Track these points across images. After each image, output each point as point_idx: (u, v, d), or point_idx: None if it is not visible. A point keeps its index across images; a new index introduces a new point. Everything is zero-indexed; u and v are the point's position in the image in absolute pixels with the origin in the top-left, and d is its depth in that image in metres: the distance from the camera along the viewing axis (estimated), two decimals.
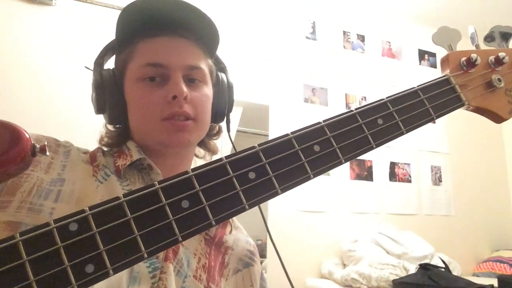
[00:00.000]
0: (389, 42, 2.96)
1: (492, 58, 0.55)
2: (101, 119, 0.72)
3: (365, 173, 2.62)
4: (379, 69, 2.87)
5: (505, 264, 2.55)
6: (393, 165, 2.73)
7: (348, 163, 2.58)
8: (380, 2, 2.90)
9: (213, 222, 0.35)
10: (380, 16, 2.97)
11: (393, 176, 2.71)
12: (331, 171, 2.52)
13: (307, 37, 2.69)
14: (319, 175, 0.41)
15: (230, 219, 0.73)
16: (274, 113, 2.47)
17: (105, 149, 0.70)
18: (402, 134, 0.47)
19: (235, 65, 2.39)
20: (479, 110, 0.56)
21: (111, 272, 0.31)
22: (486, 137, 3.15)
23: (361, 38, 2.88)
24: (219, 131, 0.78)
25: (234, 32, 2.38)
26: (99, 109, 0.69)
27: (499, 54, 0.55)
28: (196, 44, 0.68)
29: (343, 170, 2.56)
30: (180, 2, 0.65)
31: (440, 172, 2.89)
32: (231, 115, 0.76)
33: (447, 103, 0.51)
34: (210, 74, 0.71)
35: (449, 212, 2.84)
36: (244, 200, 0.37)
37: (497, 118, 0.56)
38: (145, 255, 0.32)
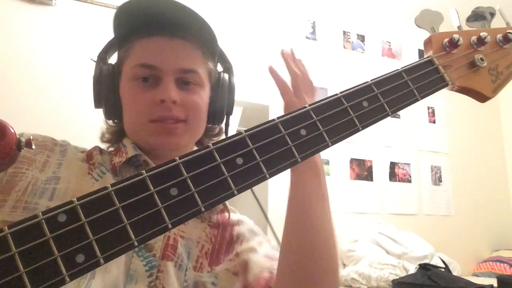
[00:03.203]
0: (389, 42, 2.96)
1: (474, 38, 0.56)
2: (101, 118, 0.73)
3: (365, 173, 2.62)
4: (379, 69, 2.86)
5: (505, 264, 2.55)
6: (393, 165, 2.73)
7: (348, 163, 2.58)
8: (380, 2, 2.90)
9: (203, 208, 0.35)
10: (380, 16, 2.98)
11: (393, 176, 2.71)
12: (331, 171, 2.52)
13: (307, 37, 2.69)
14: (306, 158, 0.41)
15: (226, 210, 0.75)
16: (274, 113, 2.47)
17: (102, 147, 0.71)
18: (387, 115, 0.47)
19: (235, 65, 2.39)
20: (463, 90, 0.56)
21: (101, 261, 0.31)
22: (486, 137, 3.15)
23: (361, 38, 2.88)
24: (220, 133, 0.78)
25: (234, 32, 2.38)
26: (96, 103, 0.69)
27: (481, 33, 0.55)
28: (193, 45, 0.67)
29: (343, 170, 2.56)
30: (178, 4, 0.65)
31: (440, 172, 2.89)
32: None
33: (431, 83, 0.51)
34: (209, 76, 0.70)
35: (449, 212, 2.84)
36: (232, 186, 0.37)
37: (482, 97, 0.57)
38: (136, 243, 0.32)
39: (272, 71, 0.66)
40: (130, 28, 0.66)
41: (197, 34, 0.67)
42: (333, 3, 2.82)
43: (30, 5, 1.95)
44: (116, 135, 0.71)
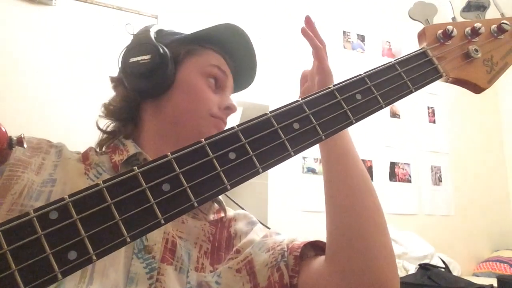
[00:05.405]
0: (389, 42, 2.96)
1: (468, 29, 0.55)
2: (101, 118, 0.72)
3: None
4: None
5: (505, 264, 2.55)
6: (393, 165, 2.73)
7: None
8: (380, 2, 2.90)
9: (195, 204, 0.35)
10: (380, 16, 2.97)
11: (393, 176, 2.71)
12: None
13: None
14: (300, 152, 0.41)
15: (222, 209, 0.75)
16: None
17: (97, 150, 0.71)
18: (381, 108, 0.47)
19: None
20: (458, 82, 0.56)
21: (94, 257, 0.31)
22: (486, 137, 3.15)
23: (361, 38, 2.88)
24: None
25: None
26: (142, 73, 0.67)
27: (475, 25, 0.55)
28: None
29: None
30: (252, 50, 0.78)
31: (440, 172, 2.89)
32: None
33: (425, 75, 0.51)
34: None
35: (449, 212, 2.83)
36: (225, 180, 0.37)
37: (476, 88, 0.57)
38: (128, 239, 0.32)
39: (306, 34, 0.71)
40: (216, 38, 0.74)
41: (239, 74, 0.80)
42: (333, 3, 2.82)
43: (30, 5, 1.95)
44: (125, 110, 0.71)
